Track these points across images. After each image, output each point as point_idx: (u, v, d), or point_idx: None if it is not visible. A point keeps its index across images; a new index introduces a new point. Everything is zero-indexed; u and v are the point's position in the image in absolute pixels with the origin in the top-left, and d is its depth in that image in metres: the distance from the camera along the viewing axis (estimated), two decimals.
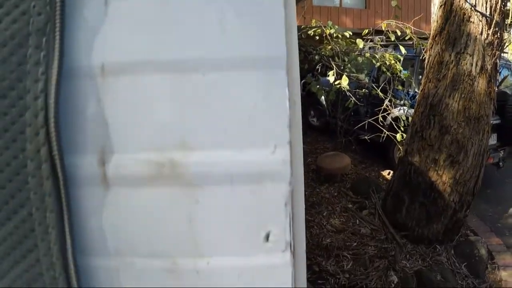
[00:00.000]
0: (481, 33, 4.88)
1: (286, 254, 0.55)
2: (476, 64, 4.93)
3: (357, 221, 6.10)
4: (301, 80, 9.37)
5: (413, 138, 5.54)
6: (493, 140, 7.60)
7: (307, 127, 11.54)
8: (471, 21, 4.88)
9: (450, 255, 5.43)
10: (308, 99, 11.50)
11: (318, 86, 7.24)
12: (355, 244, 5.51)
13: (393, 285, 4.79)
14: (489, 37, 4.90)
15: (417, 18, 9.19)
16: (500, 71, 7.28)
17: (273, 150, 0.62)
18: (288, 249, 0.56)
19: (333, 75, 6.75)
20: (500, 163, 8.04)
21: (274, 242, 0.54)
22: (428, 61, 5.48)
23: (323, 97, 10.29)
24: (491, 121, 5.74)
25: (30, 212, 0.59)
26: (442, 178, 5.22)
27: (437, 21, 5.27)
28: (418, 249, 5.48)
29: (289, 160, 0.62)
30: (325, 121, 10.79)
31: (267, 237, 0.54)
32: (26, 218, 0.59)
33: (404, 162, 5.68)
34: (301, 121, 0.72)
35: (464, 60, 4.95)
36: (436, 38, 5.27)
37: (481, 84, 4.97)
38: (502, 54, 9.04)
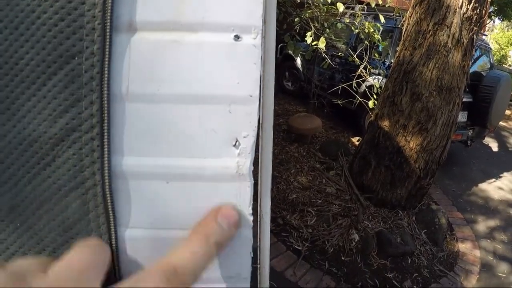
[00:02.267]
0: (461, 7, 4.93)
1: None
2: (453, 37, 4.98)
3: (324, 180, 6.19)
4: (279, 43, 9.37)
5: (384, 103, 5.61)
6: (463, 117, 7.71)
7: (281, 91, 11.56)
8: None
9: (411, 221, 5.55)
10: (284, 63, 11.52)
11: (295, 47, 7.20)
12: (320, 201, 5.60)
13: (354, 243, 4.90)
14: (469, 12, 4.95)
15: None
16: (476, 49, 7.38)
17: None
18: None
19: (311, 36, 6.75)
20: (468, 142, 8.16)
21: None
22: (406, 29, 5.52)
23: (299, 61, 10.32)
24: (463, 99, 5.82)
25: None
26: (410, 144, 5.31)
27: None
28: (380, 211, 5.59)
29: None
30: (300, 86, 10.81)
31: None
32: None
33: (373, 125, 5.76)
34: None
35: (442, 31, 5.00)
36: (416, 7, 5.31)
37: (455, 56, 5.03)
38: (483, 37, 9.18)
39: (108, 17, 0.56)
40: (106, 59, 0.57)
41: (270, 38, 0.74)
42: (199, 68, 0.59)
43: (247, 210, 0.65)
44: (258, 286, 0.90)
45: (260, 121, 0.78)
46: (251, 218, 0.66)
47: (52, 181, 0.70)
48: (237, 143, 0.61)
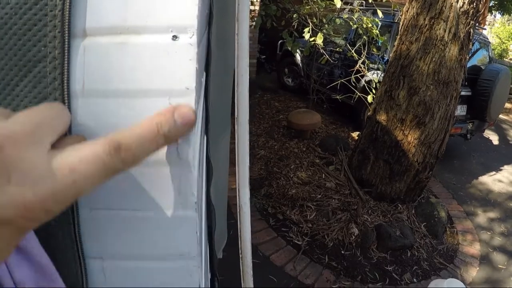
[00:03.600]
0: (457, 1, 4.94)
1: None
2: (450, 31, 5.01)
3: (323, 175, 6.22)
4: (278, 40, 9.40)
5: (382, 97, 5.64)
6: (462, 111, 7.74)
7: (281, 87, 11.59)
8: None
9: (411, 214, 5.58)
10: (284, 60, 11.54)
11: (294, 43, 7.24)
12: (319, 196, 5.63)
13: (353, 237, 4.93)
14: (465, 6, 4.97)
15: None
16: (473, 43, 7.40)
17: None
18: None
19: (309, 32, 6.78)
20: (468, 135, 8.17)
21: None
22: (402, 24, 5.54)
23: (298, 57, 10.34)
24: (462, 92, 5.85)
25: None
26: (408, 138, 5.35)
27: None
28: (380, 205, 5.62)
29: None
30: (300, 82, 10.83)
31: None
32: None
33: (372, 120, 5.79)
34: None
35: (438, 25, 5.03)
36: (413, 2, 5.33)
37: (452, 50, 5.06)
38: (482, 31, 9.19)
39: (66, 26, 0.64)
40: (66, 62, 0.65)
41: (243, 35, 0.80)
42: (142, 66, 0.66)
43: (190, 191, 0.70)
44: (242, 287, 0.94)
45: (236, 115, 0.84)
46: (194, 199, 0.71)
47: None
48: None
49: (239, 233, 0.92)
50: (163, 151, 0.67)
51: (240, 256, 0.94)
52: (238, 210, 0.89)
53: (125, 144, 0.54)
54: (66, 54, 0.64)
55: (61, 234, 0.73)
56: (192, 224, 0.73)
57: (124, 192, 0.69)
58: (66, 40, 0.64)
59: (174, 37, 0.65)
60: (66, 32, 0.64)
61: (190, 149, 0.67)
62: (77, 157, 0.51)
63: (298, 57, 10.62)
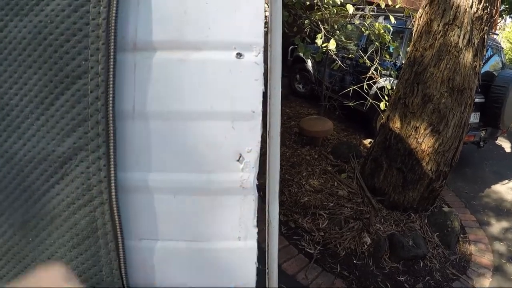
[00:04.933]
0: (471, 7, 4.90)
1: None
2: (464, 37, 4.95)
3: (335, 183, 6.17)
4: (289, 46, 9.37)
5: (395, 104, 5.59)
6: (475, 118, 7.65)
7: (292, 93, 11.56)
8: None
9: (424, 224, 5.52)
10: (295, 65, 11.50)
11: (306, 49, 7.19)
12: (331, 204, 5.59)
13: (366, 246, 4.88)
14: (479, 11, 4.92)
15: None
16: (487, 49, 7.33)
17: None
18: None
19: (321, 38, 6.74)
20: (481, 143, 8.07)
21: None
22: (416, 30, 5.50)
23: (309, 63, 10.30)
24: (475, 99, 5.79)
25: None
26: (422, 146, 5.29)
27: None
28: (392, 214, 5.57)
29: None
30: (311, 88, 10.80)
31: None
32: None
33: (385, 127, 5.74)
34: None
35: (452, 31, 4.97)
36: (426, 7, 5.28)
37: (467, 57, 5.00)
38: (494, 36, 9.11)
39: (112, 37, 0.58)
40: (111, 79, 0.59)
41: (276, 46, 0.74)
42: (202, 85, 0.60)
43: (252, 222, 0.66)
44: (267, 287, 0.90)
45: (268, 129, 0.79)
46: (255, 230, 0.67)
47: (61, 198, 0.72)
48: (241, 158, 0.62)
49: (266, 248, 0.88)
50: (224, 179, 0.63)
51: (266, 270, 0.90)
52: (267, 226, 0.85)
53: None
54: (111, 70, 0.58)
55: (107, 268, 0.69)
56: (252, 255, 0.68)
57: (179, 222, 0.65)
58: (112, 53, 0.58)
59: (239, 55, 0.60)
60: (112, 44, 0.58)
61: (253, 177, 0.63)
62: None
63: (309, 63, 10.57)
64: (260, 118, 0.60)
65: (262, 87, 0.59)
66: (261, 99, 0.60)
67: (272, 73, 0.74)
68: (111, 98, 0.59)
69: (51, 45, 0.58)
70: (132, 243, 0.68)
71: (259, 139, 0.61)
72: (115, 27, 0.57)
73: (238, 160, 0.62)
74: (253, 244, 0.66)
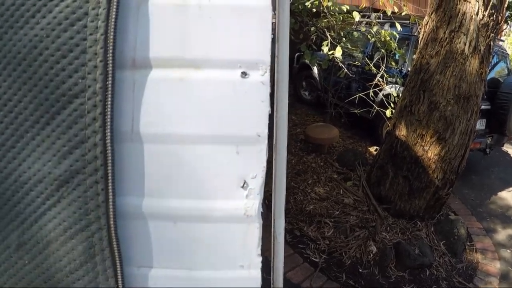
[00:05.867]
0: (477, 14, 4.88)
1: (268, 0, 0.58)
2: (470, 44, 4.93)
3: (341, 191, 6.15)
4: (295, 53, 9.37)
5: (401, 112, 5.57)
6: (481, 125, 7.62)
7: (298, 100, 11.54)
8: (467, 1, 4.87)
9: (430, 232, 5.49)
10: (301, 72, 11.48)
11: (312, 56, 7.19)
12: (337, 212, 5.57)
13: (371, 255, 4.86)
14: (485, 18, 4.90)
15: None
16: (493, 56, 7.30)
17: None
18: None
19: (327, 45, 6.73)
20: (487, 150, 8.03)
21: None
22: (422, 37, 5.48)
23: (316, 70, 10.28)
24: (481, 106, 5.76)
25: None
26: (428, 154, 5.27)
27: None
28: (398, 222, 5.54)
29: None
30: (317, 95, 10.77)
31: None
32: None
33: (391, 135, 5.72)
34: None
35: (458, 38, 4.96)
36: (432, 15, 5.27)
37: (473, 64, 4.99)
38: (499, 42, 9.08)
39: (110, 54, 0.56)
40: (109, 99, 0.57)
41: (283, 56, 0.73)
42: (205, 107, 0.58)
43: (256, 251, 0.64)
44: None
45: (274, 143, 0.77)
46: (259, 259, 0.64)
47: (58, 222, 0.70)
48: (245, 185, 0.60)
49: (272, 262, 0.87)
50: (227, 206, 0.61)
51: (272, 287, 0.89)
52: (272, 240, 0.83)
53: None
54: (109, 89, 0.56)
55: None
56: (256, 284, 0.67)
57: (180, 250, 0.63)
58: (110, 71, 0.56)
59: (244, 74, 0.58)
60: (110, 61, 0.55)
61: (258, 204, 0.61)
62: None
63: (315, 70, 10.55)
64: (266, 141, 0.58)
65: (268, 109, 0.57)
66: (267, 121, 0.58)
67: (280, 85, 0.72)
68: (109, 120, 0.57)
69: (47, 61, 0.57)
70: (131, 270, 0.66)
71: (265, 164, 0.59)
72: (114, 43, 0.55)
73: (242, 187, 0.60)
74: (257, 273, 0.64)
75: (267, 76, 0.57)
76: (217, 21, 0.58)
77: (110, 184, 0.60)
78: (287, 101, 0.75)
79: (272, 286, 0.90)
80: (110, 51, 0.56)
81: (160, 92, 0.58)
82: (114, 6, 0.56)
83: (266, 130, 0.58)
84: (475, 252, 5.42)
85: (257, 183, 0.60)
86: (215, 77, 0.57)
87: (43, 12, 0.57)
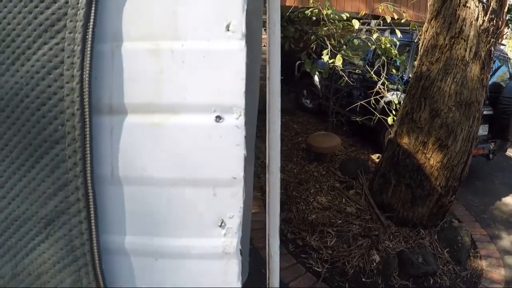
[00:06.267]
0: (477, 19, 4.87)
1: (242, 42, 0.57)
2: (470, 50, 4.92)
3: (344, 200, 6.14)
4: (296, 61, 9.39)
5: (403, 120, 5.56)
6: (484, 131, 7.60)
7: (299, 109, 11.55)
8: (467, 6, 4.87)
9: (433, 240, 5.46)
10: (302, 81, 11.49)
11: (312, 65, 7.20)
12: (340, 221, 5.55)
13: (374, 264, 4.83)
14: (485, 24, 4.90)
15: (415, 1, 9.23)
16: (494, 61, 7.28)
17: None
18: (243, 38, 0.58)
19: (327, 54, 6.74)
20: (490, 155, 8.01)
21: (233, 32, 0.56)
22: (422, 44, 5.48)
23: (317, 79, 10.29)
24: (484, 112, 5.75)
25: None
26: (430, 161, 5.25)
27: (434, 5, 5.26)
28: (402, 231, 5.51)
29: None
30: (319, 103, 10.77)
31: (228, 27, 0.57)
32: None
33: (393, 143, 5.70)
34: None
35: (458, 44, 4.95)
36: (432, 21, 5.27)
37: (474, 70, 4.98)
38: (500, 47, 9.06)
39: (87, 102, 0.56)
40: (88, 145, 0.57)
41: (274, 79, 0.72)
42: (181, 151, 0.58)
43: (236, 284, 0.63)
44: None
45: (267, 164, 0.76)
46: None
47: (47, 256, 0.72)
48: (223, 224, 0.60)
49: (267, 281, 0.86)
50: (208, 244, 0.61)
51: None
52: (267, 259, 0.83)
53: None
54: (87, 136, 0.57)
55: None
56: None
57: (160, 285, 0.63)
58: (87, 119, 0.56)
59: (218, 118, 0.58)
60: (87, 109, 0.56)
61: (237, 242, 0.60)
62: None
63: (316, 78, 10.55)
64: (242, 184, 0.58)
65: (243, 152, 0.57)
66: (242, 164, 0.57)
67: (271, 106, 0.72)
68: (89, 164, 0.58)
69: (28, 107, 0.58)
70: None
71: (242, 205, 0.59)
72: (89, 91, 0.56)
73: (220, 226, 0.60)
74: None
75: (242, 119, 0.57)
76: (190, 66, 0.57)
77: (93, 223, 0.61)
78: (279, 123, 0.74)
79: None
80: (86, 99, 0.57)
81: (136, 137, 0.58)
82: (88, 55, 0.56)
83: (242, 173, 0.57)
84: (480, 259, 5.39)
85: (234, 223, 0.60)
86: (190, 122, 0.57)
87: (21, 60, 0.59)
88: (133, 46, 0.59)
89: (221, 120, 0.57)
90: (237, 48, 0.58)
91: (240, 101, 0.57)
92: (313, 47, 7.57)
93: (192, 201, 0.56)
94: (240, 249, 0.63)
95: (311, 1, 7.56)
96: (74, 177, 0.59)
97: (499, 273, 5.14)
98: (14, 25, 0.60)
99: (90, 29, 0.57)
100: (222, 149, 0.58)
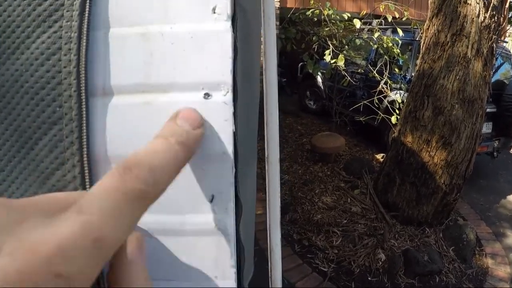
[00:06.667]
0: (478, 16, 4.87)
1: (227, 23, 0.58)
2: (472, 47, 4.92)
3: (349, 199, 6.13)
4: (298, 63, 9.38)
5: (406, 118, 5.55)
6: (488, 129, 7.58)
7: (303, 110, 11.54)
8: (468, 3, 4.86)
9: (439, 238, 5.45)
10: (305, 82, 11.48)
11: (315, 65, 7.20)
12: (345, 221, 5.54)
13: (380, 263, 4.82)
14: (486, 20, 4.89)
15: None
16: (497, 58, 7.27)
17: None
18: (229, 20, 0.59)
19: (329, 54, 6.74)
20: (495, 153, 8.00)
21: (219, 14, 0.57)
22: (424, 42, 5.47)
23: (320, 79, 10.28)
24: (487, 109, 5.74)
25: None
26: (434, 159, 5.24)
27: (434, 2, 5.25)
28: (407, 229, 5.50)
29: None
30: (322, 104, 10.76)
31: (214, 10, 0.58)
32: None
33: (397, 142, 5.69)
34: None
35: (460, 42, 4.94)
36: (433, 19, 5.26)
37: (476, 67, 4.97)
38: (503, 44, 9.05)
39: (83, 84, 0.58)
40: (84, 124, 0.59)
41: (271, 71, 0.72)
42: None
43: (229, 262, 0.63)
44: None
45: (266, 155, 0.76)
46: (233, 270, 0.64)
47: None
48: (214, 199, 0.60)
49: (269, 275, 0.85)
50: (200, 220, 0.61)
51: None
52: (269, 252, 0.83)
53: (133, 162, 0.47)
54: (84, 115, 0.58)
55: None
56: None
57: (157, 261, 0.63)
58: (84, 100, 0.58)
59: (206, 95, 0.58)
60: (83, 91, 0.58)
61: (228, 218, 0.60)
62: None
63: (319, 79, 10.54)
64: (231, 159, 0.57)
65: (232, 127, 0.57)
66: (231, 140, 0.57)
67: (268, 98, 0.73)
68: (85, 143, 0.59)
69: (28, 92, 0.60)
70: None
71: (232, 180, 0.59)
72: (86, 74, 0.57)
73: (211, 202, 0.60)
74: (231, 283, 0.63)
75: (229, 96, 0.57)
76: (179, 47, 0.58)
77: None
78: (277, 114, 0.75)
79: None
80: (83, 81, 0.59)
81: (128, 116, 0.59)
82: (84, 41, 0.58)
83: (231, 148, 0.57)
84: (485, 257, 5.37)
85: (225, 198, 0.60)
86: (180, 100, 0.58)
87: (21, 49, 0.62)
88: (125, 31, 0.60)
89: (209, 97, 0.58)
90: (223, 28, 0.59)
91: (228, 78, 0.57)
92: (315, 48, 7.56)
93: (182, 176, 0.56)
94: (237, 230, 0.63)
95: (312, 2, 7.57)
96: (71, 155, 0.60)
97: (504, 271, 5.13)
98: (14, 17, 0.63)
99: (86, 18, 0.59)
100: (211, 125, 0.58)
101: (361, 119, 8.15)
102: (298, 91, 12.09)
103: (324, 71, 7.74)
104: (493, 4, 4.83)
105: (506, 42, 10.53)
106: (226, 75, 0.58)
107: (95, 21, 0.60)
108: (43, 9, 0.62)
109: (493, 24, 4.95)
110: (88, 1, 0.59)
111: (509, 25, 7.33)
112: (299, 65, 11.39)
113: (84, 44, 0.58)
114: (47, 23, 0.61)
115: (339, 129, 9.02)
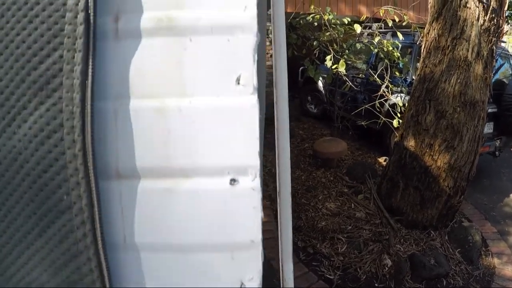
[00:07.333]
0: (478, 19, 4.87)
1: (254, 97, 0.56)
2: (472, 50, 4.92)
3: (352, 205, 6.12)
4: (299, 67, 9.38)
5: (408, 123, 5.55)
6: (489, 128, 7.58)
7: (304, 114, 11.53)
8: (467, 7, 4.87)
9: (444, 241, 5.44)
10: (306, 86, 11.47)
11: (316, 71, 7.20)
12: (350, 227, 5.53)
13: (386, 269, 4.82)
14: (486, 23, 4.90)
15: (415, 3, 9.23)
16: (496, 59, 7.26)
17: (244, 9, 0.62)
18: (255, 92, 0.57)
19: (330, 59, 6.74)
20: (496, 153, 8.01)
21: (243, 85, 0.55)
22: (424, 46, 5.48)
23: (321, 84, 10.27)
24: (488, 109, 5.73)
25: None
26: (437, 163, 5.24)
27: (434, 6, 5.26)
28: (412, 233, 5.50)
29: (255, 15, 0.63)
30: (323, 108, 10.75)
31: (238, 81, 0.56)
32: None
33: (399, 146, 5.69)
34: None
35: (460, 45, 4.95)
36: (433, 23, 5.27)
37: (477, 69, 4.97)
38: (501, 44, 9.04)
39: (91, 170, 0.55)
40: (97, 214, 0.56)
41: (282, 85, 0.72)
42: (196, 216, 0.57)
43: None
44: None
45: (278, 190, 0.76)
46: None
47: None
48: (243, 285, 0.59)
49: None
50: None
51: None
52: (281, 284, 0.82)
53: None
54: (95, 204, 0.55)
55: None
56: None
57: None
58: (94, 188, 0.55)
59: (233, 181, 0.57)
60: (92, 177, 0.55)
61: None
62: None
63: (320, 83, 10.53)
64: (261, 247, 0.57)
65: (261, 214, 0.56)
66: (260, 227, 0.57)
67: (279, 114, 0.71)
68: (99, 235, 0.56)
69: (29, 174, 0.56)
70: None
71: (261, 267, 0.58)
72: (93, 158, 0.54)
73: None
74: None
75: (258, 181, 0.56)
76: (199, 125, 0.56)
77: None
78: (288, 129, 0.74)
79: None
80: (91, 167, 0.55)
81: (147, 203, 0.57)
82: (89, 117, 0.55)
83: (260, 236, 0.57)
84: (491, 257, 5.37)
85: (254, 284, 0.59)
86: (204, 186, 0.56)
87: (18, 121, 0.57)
88: (137, 104, 0.57)
89: (236, 183, 0.56)
90: (249, 104, 0.56)
91: (255, 161, 0.56)
92: (316, 53, 7.56)
93: (210, 266, 0.55)
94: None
95: (312, 7, 7.57)
96: (84, 247, 0.58)
97: (511, 270, 5.12)
98: (7, 81, 0.58)
99: (89, 88, 0.55)
100: (239, 212, 0.57)
101: (362, 123, 8.15)
102: (299, 96, 12.07)
103: (325, 76, 7.74)
104: (492, 7, 4.84)
105: (504, 42, 10.52)
106: (253, 158, 0.56)
107: (101, 90, 0.56)
108: (39, 75, 0.57)
109: (493, 27, 4.96)
110: (90, 68, 0.55)
111: (506, 25, 7.32)
112: (300, 69, 11.38)
113: (89, 120, 0.54)
114: (44, 92, 0.57)
115: (340, 133, 9.01)
